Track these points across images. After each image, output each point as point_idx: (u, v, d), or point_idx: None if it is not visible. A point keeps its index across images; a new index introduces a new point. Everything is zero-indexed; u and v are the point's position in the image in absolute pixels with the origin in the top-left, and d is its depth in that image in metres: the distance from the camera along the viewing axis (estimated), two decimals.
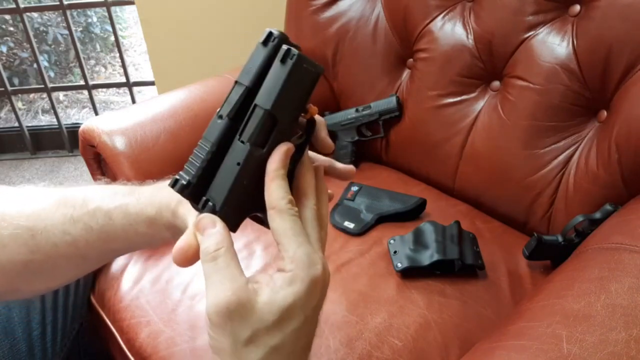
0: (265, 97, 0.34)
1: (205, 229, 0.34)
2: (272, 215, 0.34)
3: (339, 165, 0.46)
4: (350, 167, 0.46)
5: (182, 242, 0.36)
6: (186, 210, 0.40)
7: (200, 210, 0.36)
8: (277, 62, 0.34)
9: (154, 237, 0.45)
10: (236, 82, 0.36)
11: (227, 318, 0.32)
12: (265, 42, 0.35)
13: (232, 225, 0.36)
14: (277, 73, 0.34)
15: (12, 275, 0.46)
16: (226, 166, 0.35)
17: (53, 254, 0.45)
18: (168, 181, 0.44)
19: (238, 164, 0.35)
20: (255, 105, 0.35)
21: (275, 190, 0.35)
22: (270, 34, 0.35)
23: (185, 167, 0.36)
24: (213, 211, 0.35)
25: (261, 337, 0.32)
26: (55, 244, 0.45)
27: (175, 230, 0.42)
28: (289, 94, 0.35)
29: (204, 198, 0.36)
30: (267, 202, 0.35)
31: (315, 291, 0.34)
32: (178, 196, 0.39)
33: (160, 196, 0.43)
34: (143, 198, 0.44)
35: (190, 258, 0.35)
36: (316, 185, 0.38)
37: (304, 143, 0.39)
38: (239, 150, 0.35)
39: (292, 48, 0.34)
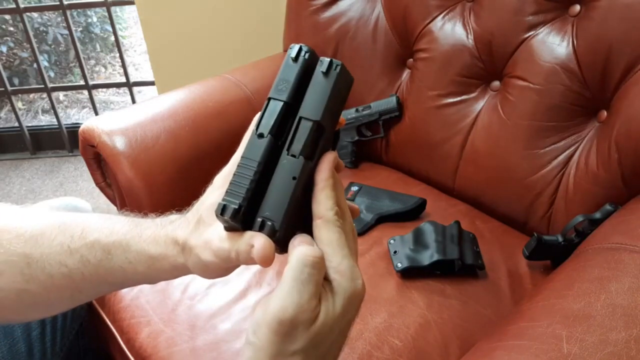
0: (312, 109, 0.35)
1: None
2: (318, 225, 0.35)
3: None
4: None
5: (260, 243, 0.33)
6: (202, 241, 0.37)
7: (258, 231, 0.34)
8: (318, 73, 0.36)
9: (154, 278, 0.44)
10: (270, 98, 0.36)
11: (287, 331, 0.32)
12: (296, 58, 0.36)
13: (284, 245, 0.34)
14: (321, 84, 0.35)
15: (4, 305, 0.44)
16: (279, 182, 0.35)
17: (48, 284, 0.44)
18: (171, 217, 0.43)
19: (294, 178, 0.34)
20: (301, 118, 0.35)
21: (324, 199, 0.35)
22: (300, 48, 0.36)
23: (228, 191, 0.34)
24: (273, 230, 0.34)
25: (306, 351, 0.33)
26: (50, 274, 0.43)
27: (182, 269, 0.40)
28: (334, 104, 0.36)
29: (259, 219, 0.34)
30: (314, 211, 0.35)
31: (354, 304, 0.34)
32: (185, 231, 0.38)
33: (164, 233, 0.41)
34: (145, 235, 0.42)
35: (271, 257, 0.34)
36: None
37: None
38: (291, 165, 0.35)
39: (334, 59, 0.35)
